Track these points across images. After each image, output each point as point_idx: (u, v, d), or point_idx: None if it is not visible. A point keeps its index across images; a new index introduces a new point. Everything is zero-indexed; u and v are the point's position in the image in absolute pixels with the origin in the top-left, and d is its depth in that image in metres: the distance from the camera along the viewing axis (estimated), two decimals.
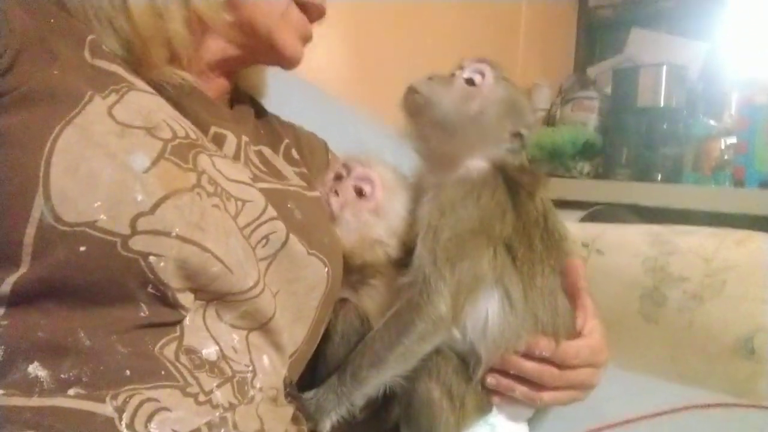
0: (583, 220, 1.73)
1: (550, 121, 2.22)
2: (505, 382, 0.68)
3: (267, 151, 0.69)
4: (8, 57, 0.46)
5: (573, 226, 1.25)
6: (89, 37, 0.53)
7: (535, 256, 0.68)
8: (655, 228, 1.15)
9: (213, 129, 0.61)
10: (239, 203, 0.54)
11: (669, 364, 1.02)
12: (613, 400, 0.82)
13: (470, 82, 0.71)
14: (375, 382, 0.63)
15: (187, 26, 0.58)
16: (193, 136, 0.53)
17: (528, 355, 0.67)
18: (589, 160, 2.02)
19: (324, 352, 0.69)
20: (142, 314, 0.46)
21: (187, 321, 0.49)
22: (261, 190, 0.58)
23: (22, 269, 0.43)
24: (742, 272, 0.99)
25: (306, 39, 0.70)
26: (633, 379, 0.91)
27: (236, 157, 0.62)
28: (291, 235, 0.57)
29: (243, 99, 0.73)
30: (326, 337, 0.70)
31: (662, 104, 1.91)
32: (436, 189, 0.70)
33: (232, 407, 0.48)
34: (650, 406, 0.78)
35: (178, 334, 0.48)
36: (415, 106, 0.71)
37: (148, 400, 0.43)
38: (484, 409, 0.70)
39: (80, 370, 0.43)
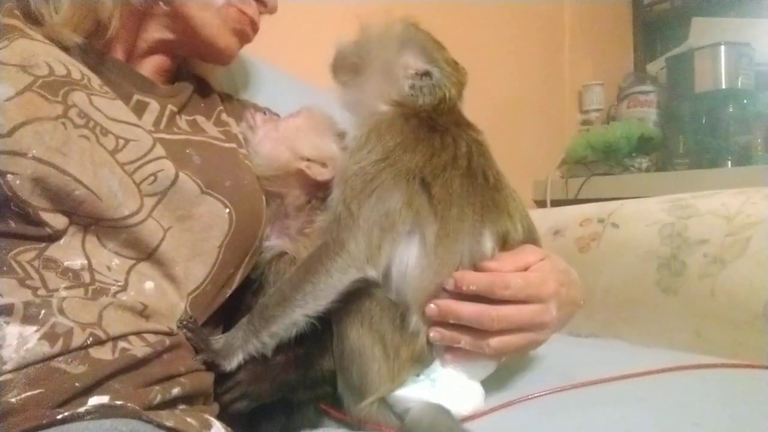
0: None
1: (608, 120, 2.11)
2: (448, 334, 0.65)
3: (200, 119, 0.75)
4: None
5: (593, 206, 1.17)
6: (7, 4, 0.62)
7: (453, 197, 0.65)
8: (677, 195, 1.04)
9: (136, 97, 0.68)
10: (121, 141, 0.58)
11: (693, 339, 0.89)
12: (591, 364, 0.75)
13: None
14: (283, 321, 0.63)
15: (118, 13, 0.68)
16: (76, 76, 0.58)
17: (458, 295, 0.64)
18: (648, 155, 1.88)
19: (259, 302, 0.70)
20: (7, 228, 0.51)
21: (62, 242, 0.53)
22: (163, 139, 0.62)
23: None
24: None
25: (242, 36, 0.77)
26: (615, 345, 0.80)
27: (158, 120, 0.68)
28: (181, 174, 0.60)
29: (186, 78, 0.80)
30: (261, 288, 0.71)
31: (724, 86, 1.75)
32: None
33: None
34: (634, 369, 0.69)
35: (42, 246, 0.52)
36: (333, 61, 0.77)
37: None
38: (422, 362, 0.66)
39: None
